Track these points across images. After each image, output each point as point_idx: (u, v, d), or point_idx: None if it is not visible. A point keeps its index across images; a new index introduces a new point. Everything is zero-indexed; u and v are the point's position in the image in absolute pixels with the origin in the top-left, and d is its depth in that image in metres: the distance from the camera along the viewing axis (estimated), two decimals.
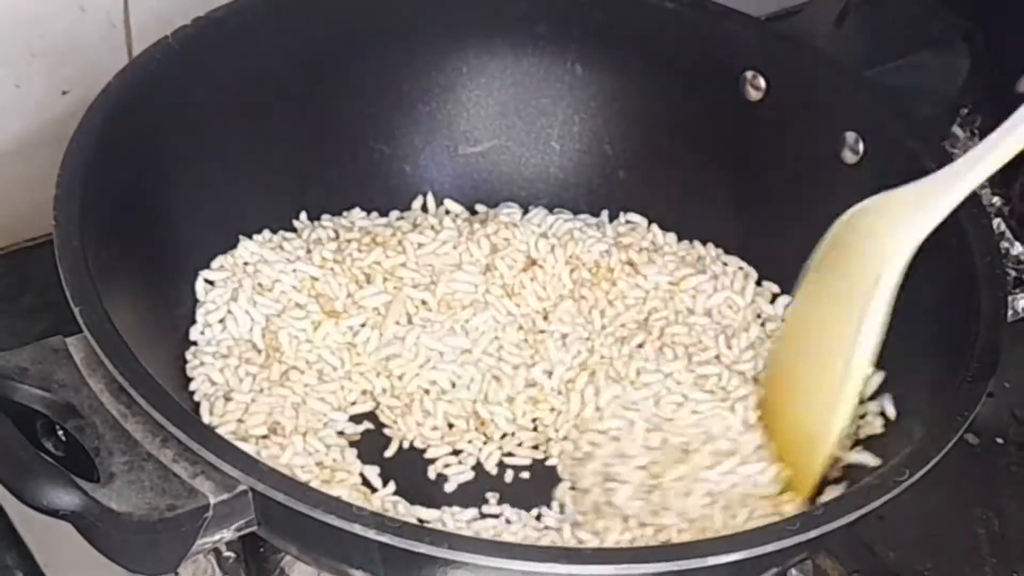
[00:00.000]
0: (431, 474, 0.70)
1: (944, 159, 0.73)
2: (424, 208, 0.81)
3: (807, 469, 0.67)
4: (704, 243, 0.80)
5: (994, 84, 0.83)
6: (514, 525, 0.67)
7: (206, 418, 0.69)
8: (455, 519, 0.67)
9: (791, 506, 0.66)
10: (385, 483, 0.68)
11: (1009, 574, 0.71)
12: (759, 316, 0.77)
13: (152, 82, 0.71)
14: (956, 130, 0.86)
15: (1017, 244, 0.85)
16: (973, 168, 0.64)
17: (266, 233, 0.77)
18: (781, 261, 0.78)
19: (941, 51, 0.82)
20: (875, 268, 0.65)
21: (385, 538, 0.55)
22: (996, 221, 0.84)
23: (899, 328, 0.71)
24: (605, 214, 0.82)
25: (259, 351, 0.72)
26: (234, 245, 0.76)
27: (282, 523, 0.59)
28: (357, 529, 0.55)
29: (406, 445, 0.71)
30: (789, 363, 0.71)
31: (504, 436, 0.71)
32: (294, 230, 0.78)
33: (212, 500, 0.57)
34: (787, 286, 0.77)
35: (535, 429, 0.72)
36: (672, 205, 0.81)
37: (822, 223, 0.76)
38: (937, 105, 0.76)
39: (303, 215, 0.79)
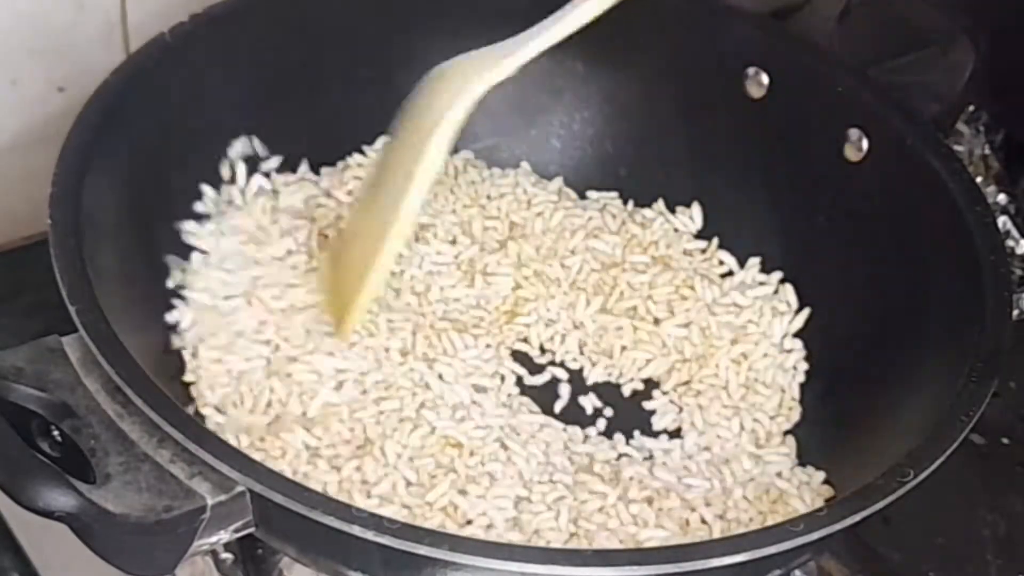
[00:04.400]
0: None
1: (949, 156, 0.73)
2: None
3: (350, 304, 0.70)
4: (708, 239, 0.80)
5: (998, 80, 0.83)
6: None
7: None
8: None
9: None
10: None
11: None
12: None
13: (148, 79, 0.71)
14: (961, 127, 0.85)
15: (1023, 242, 0.84)
16: (546, 31, 0.69)
17: None
18: (784, 257, 0.77)
19: (945, 48, 0.82)
20: (437, 114, 0.68)
21: (384, 539, 0.54)
22: (1002, 219, 0.84)
23: (903, 326, 0.71)
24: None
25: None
26: None
27: (280, 524, 0.59)
28: (356, 530, 0.54)
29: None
30: (354, 219, 0.74)
31: None
32: None
33: (209, 501, 0.57)
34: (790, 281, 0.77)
35: None
36: (673, 202, 0.81)
37: (826, 220, 0.76)
38: (941, 102, 0.75)
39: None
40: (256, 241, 0.75)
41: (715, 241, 0.80)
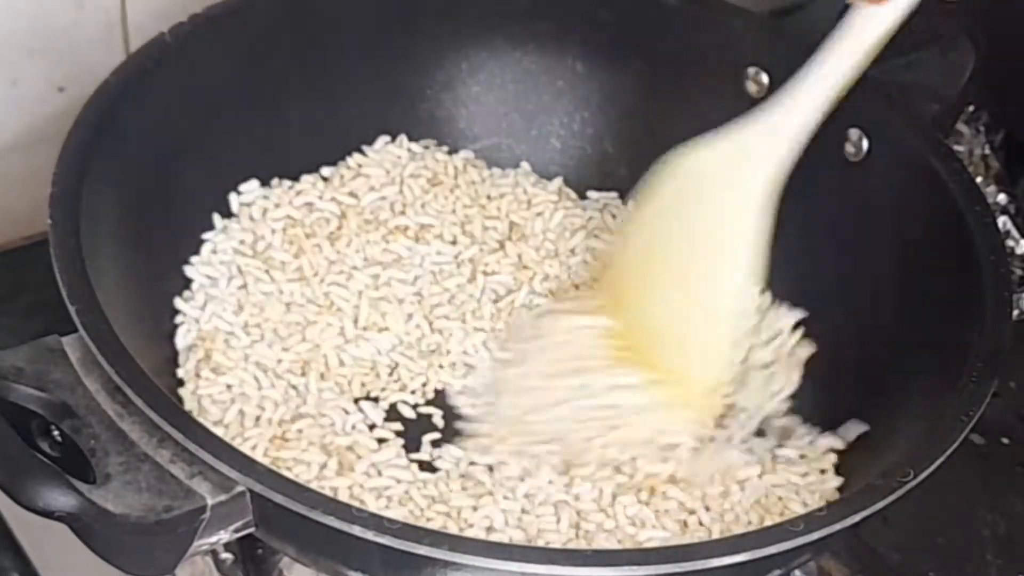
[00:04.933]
0: None
1: (949, 156, 0.73)
2: None
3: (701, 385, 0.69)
4: None
5: (998, 80, 0.83)
6: None
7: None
8: None
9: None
10: None
11: None
12: None
13: (148, 79, 0.71)
14: (961, 127, 0.85)
15: (1023, 242, 0.84)
16: (802, 96, 0.66)
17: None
18: (783, 257, 0.77)
19: (945, 48, 0.82)
20: (732, 218, 0.67)
21: (384, 539, 0.54)
22: (1002, 219, 0.84)
23: (903, 327, 0.71)
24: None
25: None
26: None
27: (280, 524, 0.59)
28: (356, 530, 0.54)
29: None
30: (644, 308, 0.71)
31: None
32: None
33: (210, 501, 0.57)
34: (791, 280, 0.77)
35: None
36: None
37: (825, 220, 0.76)
38: (941, 102, 0.75)
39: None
40: (254, 250, 0.75)
41: None
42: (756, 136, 0.68)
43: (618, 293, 0.73)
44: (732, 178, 0.68)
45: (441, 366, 0.73)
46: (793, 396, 0.74)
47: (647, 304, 0.71)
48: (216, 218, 0.76)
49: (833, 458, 0.70)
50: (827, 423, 0.72)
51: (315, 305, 0.74)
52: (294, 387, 0.70)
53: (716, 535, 0.66)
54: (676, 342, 0.69)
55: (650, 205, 0.71)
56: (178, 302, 0.72)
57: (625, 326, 0.71)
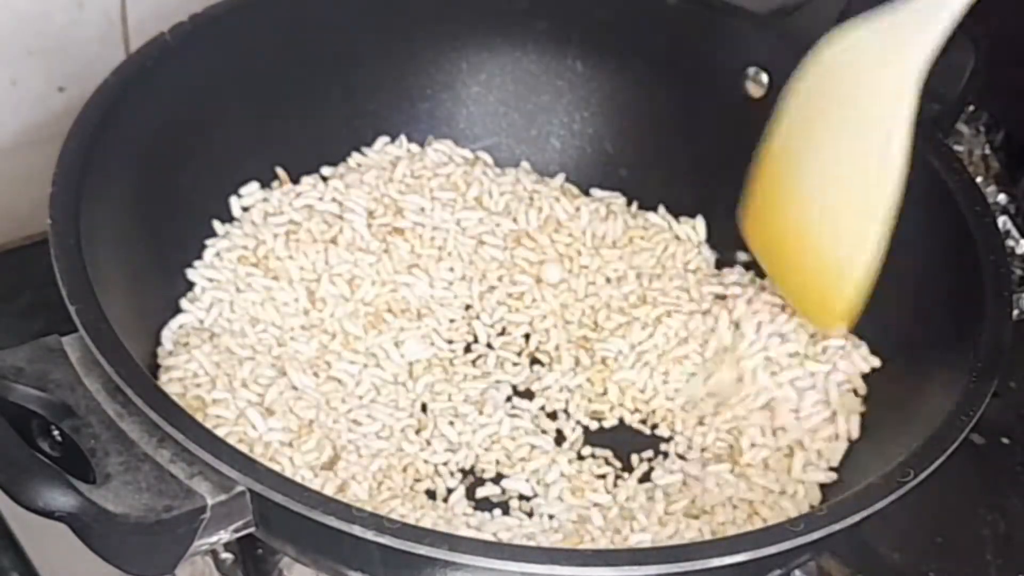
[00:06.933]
0: None
1: (948, 156, 0.73)
2: None
3: (838, 298, 0.69)
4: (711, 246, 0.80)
5: (998, 80, 0.83)
6: None
7: None
8: None
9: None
10: None
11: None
12: None
13: (149, 79, 0.71)
14: (961, 127, 0.85)
15: (1023, 242, 0.84)
16: None
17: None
18: None
19: (945, 48, 0.81)
20: (889, 94, 0.66)
21: (384, 539, 0.54)
22: (1002, 219, 0.84)
23: (904, 326, 0.71)
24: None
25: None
26: None
27: (280, 524, 0.59)
28: (356, 530, 0.54)
29: None
30: (791, 200, 0.71)
31: None
32: None
33: (210, 501, 0.57)
34: None
35: None
36: (674, 203, 0.81)
37: None
38: (941, 102, 0.75)
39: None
40: (255, 255, 0.75)
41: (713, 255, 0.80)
42: (912, 14, 0.66)
43: (766, 187, 0.73)
44: (888, 57, 0.66)
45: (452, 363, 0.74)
46: None
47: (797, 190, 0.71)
48: (216, 224, 0.75)
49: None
50: None
51: (315, 309, 0.74)
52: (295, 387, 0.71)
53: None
54: (820, 235, 0.70)
55: (802, 88, 0.70)
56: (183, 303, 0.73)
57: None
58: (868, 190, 0.68)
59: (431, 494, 0.68)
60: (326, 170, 0.79)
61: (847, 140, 0.68)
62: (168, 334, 0.71)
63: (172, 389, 0.67)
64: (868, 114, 0.67)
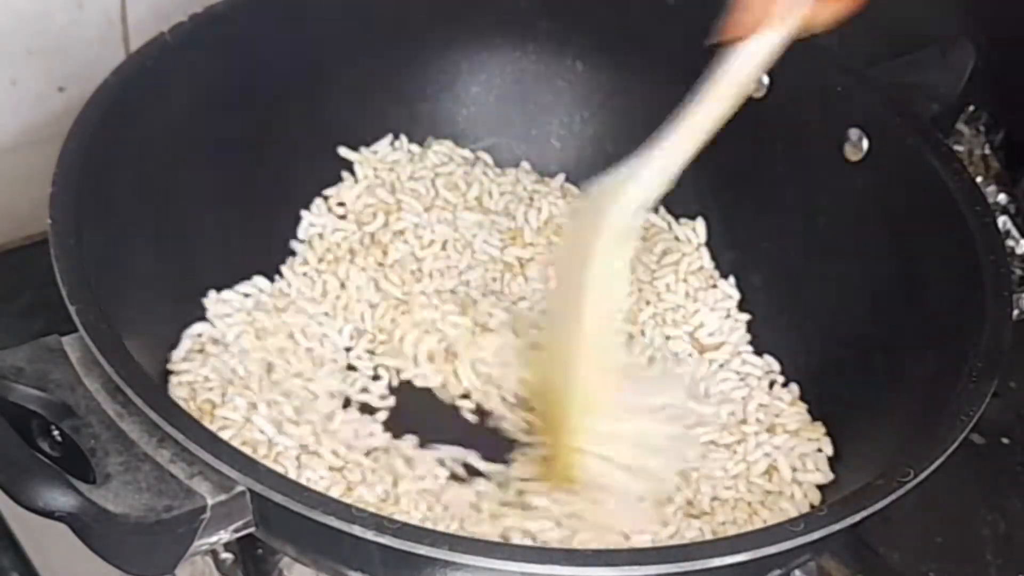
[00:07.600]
0: None
1: (949, 156, 0.73)
2: None
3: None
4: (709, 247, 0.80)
5: (998, 80, 0.83)
6: None
7: None
8: None
9: None
10: None
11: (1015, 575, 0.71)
12: None
13: (148, 79, 0.71)
14: (961, 127, 0.85)
15: (1023, 242, 0.84)
16: (672, 136, 0.68)
17: None
18: (784, 257, 0.77)
19: (945, 48, 0.82)
20: (594, 239, 0.67)
21: (384, 539, 0.54)
22: (1002, 219, 0.84)
23: (903, 327, 0.71)
24: None
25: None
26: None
27: (280, 524, 0.59)
28: (356, 530, 0.54)
29: None
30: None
31: None
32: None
33: (210, 501, 0.57)
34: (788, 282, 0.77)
35: None
36: (673, 203, 0.81)
37: (825, 220, 0.76)
38: (941, 102, 0.75)
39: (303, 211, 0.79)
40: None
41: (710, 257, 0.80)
42: (618, 182, 0.68)
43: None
44: (597, 222, 0.68)
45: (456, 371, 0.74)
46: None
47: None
48: None
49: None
50: (827, 422, 0.73)
51: (323, 313, 0.74)
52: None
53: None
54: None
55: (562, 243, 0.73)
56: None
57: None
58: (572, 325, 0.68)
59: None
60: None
61: (564, 284, 0.70)
62: (186, 341, 0.71)
63: (179, 393, 0.68)
64: (578, 260, 0.68)
